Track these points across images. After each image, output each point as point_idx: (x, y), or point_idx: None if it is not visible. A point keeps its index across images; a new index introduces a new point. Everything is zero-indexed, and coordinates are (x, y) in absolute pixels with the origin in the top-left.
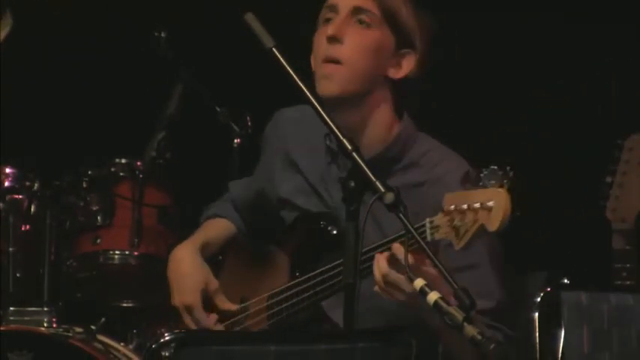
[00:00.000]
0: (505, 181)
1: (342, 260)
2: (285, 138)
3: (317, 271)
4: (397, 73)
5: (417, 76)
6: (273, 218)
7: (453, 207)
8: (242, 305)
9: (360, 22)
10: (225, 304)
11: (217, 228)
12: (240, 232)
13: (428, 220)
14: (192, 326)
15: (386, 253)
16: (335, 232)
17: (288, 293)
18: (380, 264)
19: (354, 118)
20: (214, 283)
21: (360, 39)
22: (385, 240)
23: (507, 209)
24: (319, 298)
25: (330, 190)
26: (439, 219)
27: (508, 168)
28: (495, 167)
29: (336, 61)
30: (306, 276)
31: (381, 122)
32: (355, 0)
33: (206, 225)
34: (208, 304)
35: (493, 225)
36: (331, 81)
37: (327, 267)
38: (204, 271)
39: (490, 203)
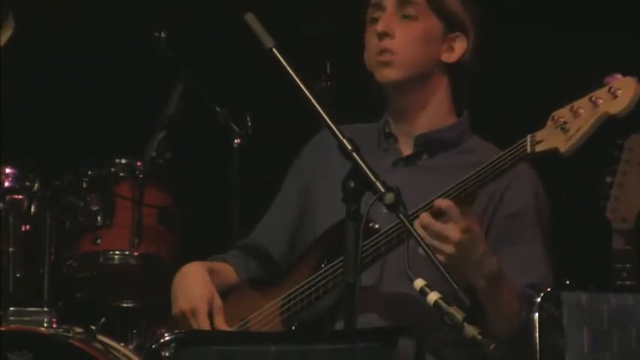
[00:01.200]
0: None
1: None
2: (325, 157)
3: (338, 260)
4: (451, 57)
5: (471, 60)
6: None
7: (563, 117)
8: (241, 324)
9: (406, 16)
10: (224, 326)
11: (224, 269)
12: (241, 280)
13: (530, 135)
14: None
15: (427, 211)
16: (377, 226)
17: (309, 284)
18: (422, 216)
19: (414, 101)
20: (219, 301)
21: (408, 32)
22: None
23: (637, 94)
24: (337, 283)
25: None
26: (542, 131)
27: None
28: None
29: (390, 52)
30: (330, 264)
31: (439, 106)
32: None
33: (215, 262)
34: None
35: (617, 107)
36: (390, 67)
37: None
38: (211, 287)
39: (618, 91)
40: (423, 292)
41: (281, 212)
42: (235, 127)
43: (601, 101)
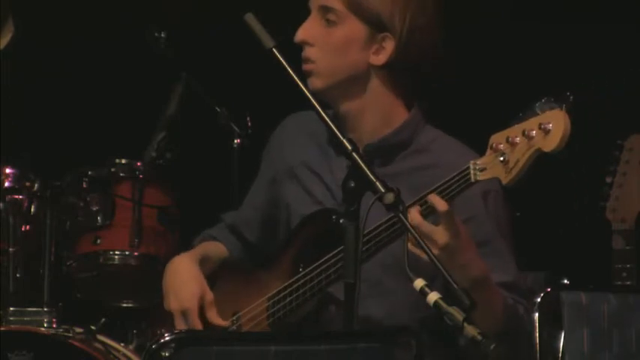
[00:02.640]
0: (564, 105)
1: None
2: (293, 142)
3: (320, 261)
4: (379, 59)
5: (403, 60)
6: (283, 226)
7: (501, 145)
8: (233, 319)
9: (328, 21)
10: (216, 319)
11: (215, 248)
12: (232, 256)
13: (472, 162)
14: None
15: (417, 207)
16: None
17: (291, 289)
18: (412, 215)
19: (353, 107)
20: (210, 295)
21: (326, 39)
22: (421, 195)
23: (567, 129)
24: (325, 284)
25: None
26: (484, 159)
27: (568, 93)
28: (551, 97)
29: (311, 61)
30: (309, 268)
31: (382, 108)
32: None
33: (204, 244)
34: (200, 317)
35: (550, 145)
36: (313, 76)
37: (332, 254)
38: (202, 281)
39: (549, 125)
40: (423, 292)
41: (252, 201)
42: (235, 127)
43: (534, 134)
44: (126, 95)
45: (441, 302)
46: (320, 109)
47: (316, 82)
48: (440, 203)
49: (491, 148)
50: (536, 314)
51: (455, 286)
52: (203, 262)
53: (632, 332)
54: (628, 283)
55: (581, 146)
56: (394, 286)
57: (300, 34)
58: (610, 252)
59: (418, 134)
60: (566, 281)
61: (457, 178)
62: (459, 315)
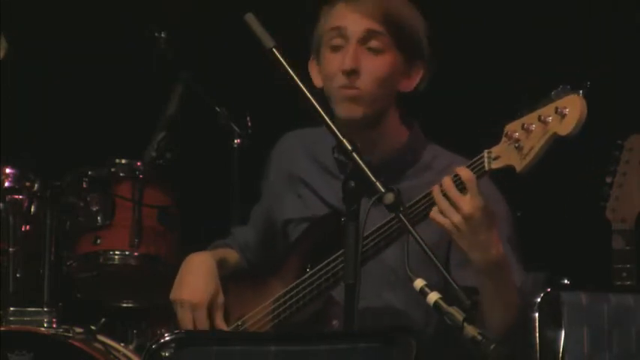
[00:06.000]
0: (581, 91)
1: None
2: (292, 160)
3: (325, 262)
4: (409, 86)
5: (424, 83)
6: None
7: (516, 133)
8: (238, 323)
9: (371, 49)
10: (221, 323)
11: (232, 255)
12: (244, 267)
13: (486, 151)
14: (187, 323)
15: (449, 176)
16: None
17: (296, 290)
18: (444, 180)
19: (372, 135)
20: (222, 297)
21: (375, 69)
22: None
23: (584, 113)
24: (328, 286)
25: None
26: (498, 147)
27: (587, 83)
28: (567, 85)
29: (357, 88)
30: (313, 270)
31: (392, 132)
32: (365, 22)
33: (222, 249)
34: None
35: (566, 129)
36: (356, 104)
37: (335, 255)
38: (217, 281)
39: (565, 110)
40: (423, 292)
41: (254, 221)
42: (235, 127)
43: (550, 120)
44: (126, 95)
45: (441, 302)
46: (320, 109)
47: (358, 110)
48: (465, 172)
49: (506, 135)
50: (536, 314)
51: (455, 286)
52: (220, 263)
53: (632, 332)
54: (628, 283)
55: (582, 146)
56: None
57: (350, 62)
58: (610, 252)
59: (421, 152)
60: (566, 281)
61: (471, 167)
62: (459, 315)
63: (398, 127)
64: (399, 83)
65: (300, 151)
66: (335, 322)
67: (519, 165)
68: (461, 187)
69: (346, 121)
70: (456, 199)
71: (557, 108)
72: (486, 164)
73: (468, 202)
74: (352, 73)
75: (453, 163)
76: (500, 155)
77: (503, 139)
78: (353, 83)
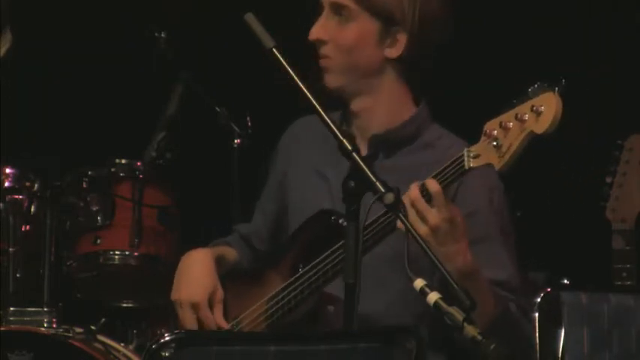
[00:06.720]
0: (557, 88)
1: (342, 243)
2: (300, 146)
3: (317, 260)
4: (393, 53)
5: (415, 53)
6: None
7: (495, 131)
8: (233, 323)
9: (340, 18)
10: (220, 320)
11: (231, 252)
12: (242, 265)
13: (465, 149)
14: (188, 323)
15: (418, 183)
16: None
17: (289, 289)
18: (411, 190)
19: (366, 103)
20: (221, 293)
21: (339, 36)
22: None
23: (558, 111)
24: (322, 283)
25: None
26: (477, 146)
27: (561, 77)
28: (544, 82)
29: (327, 57)
30: (307, 267)
31: (393, 102)
32: None
33: (220, 247)
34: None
35: (542, 127)
36: (328, 74)
37: (327, 253)
38: (216, 278)
39: (540, 108)
40: (423, 292)
41: (262, 207)
42: (235, 127)
43: (526, 118)
44: (126, 95)
45: (441, 302)
46: (320, 110)
47: (332, 79)
48: (432, 184)
49: (485, 134)
50: (536, 314)
51: (455, 286)
52: (219, 260)
53: (632, 332)
54: (628, 283)
55: (581, 146)
56: (394, 279)
57: (314, 33)
58: (610, 252)
59: (424, 130)
60: (566, 281)
61: (452, 165)
62: (459, 315)
63: (401, 98)
64: (380, 50)
65: (312, 136)
66: (330, 307)
67: (498, 163)
68: (428, 197)
69: (331, 91)
70: (422, 210)
71: (533, 106)
72: (466, 163)
73: (433, 215)
74: (318, 41)
75: (455, 144)
76: (480, 153)
77: (483, 137)
78: (322, 52)
